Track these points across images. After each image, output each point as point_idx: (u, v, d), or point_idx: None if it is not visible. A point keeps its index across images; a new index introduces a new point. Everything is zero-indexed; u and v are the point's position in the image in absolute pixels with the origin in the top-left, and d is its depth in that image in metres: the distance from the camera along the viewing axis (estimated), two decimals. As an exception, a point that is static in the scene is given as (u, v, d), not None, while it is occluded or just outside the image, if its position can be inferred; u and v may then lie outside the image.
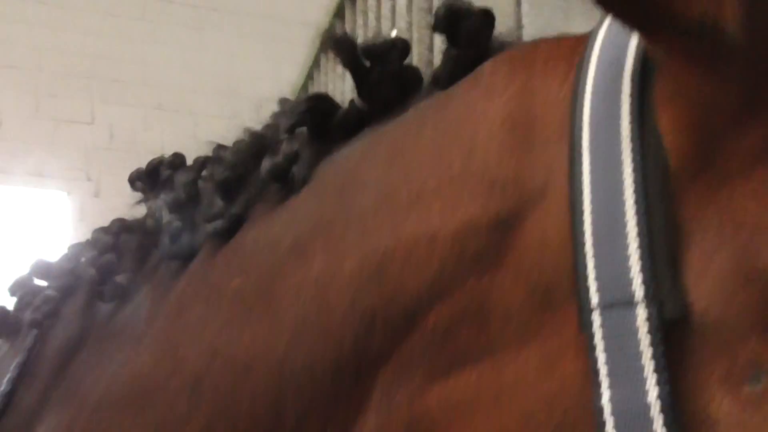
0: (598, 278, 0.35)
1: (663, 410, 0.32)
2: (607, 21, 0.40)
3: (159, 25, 4.76)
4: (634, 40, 0.38)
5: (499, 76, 0.44)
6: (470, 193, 0.40)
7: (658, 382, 0.32)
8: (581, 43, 0.41)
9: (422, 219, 0.41)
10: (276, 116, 0.59)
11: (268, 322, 0.48)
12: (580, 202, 0.36)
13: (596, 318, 0.34)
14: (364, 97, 0.53)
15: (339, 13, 2.70)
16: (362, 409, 0.43)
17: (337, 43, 0.54)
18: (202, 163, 0.65)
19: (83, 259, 0.74)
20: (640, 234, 0.34)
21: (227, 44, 4.66)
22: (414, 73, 0.53)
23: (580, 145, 0.37)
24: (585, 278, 0.35)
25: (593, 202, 0.36)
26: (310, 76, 2.79)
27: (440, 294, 0.40)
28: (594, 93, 0.37)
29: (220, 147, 0.63)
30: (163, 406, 0.52)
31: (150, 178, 0.70)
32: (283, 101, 0.59)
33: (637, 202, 0.35)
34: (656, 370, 0.32)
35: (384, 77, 0.52)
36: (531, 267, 0.37)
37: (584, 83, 0.38)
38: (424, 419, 0.40)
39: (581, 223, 0.36)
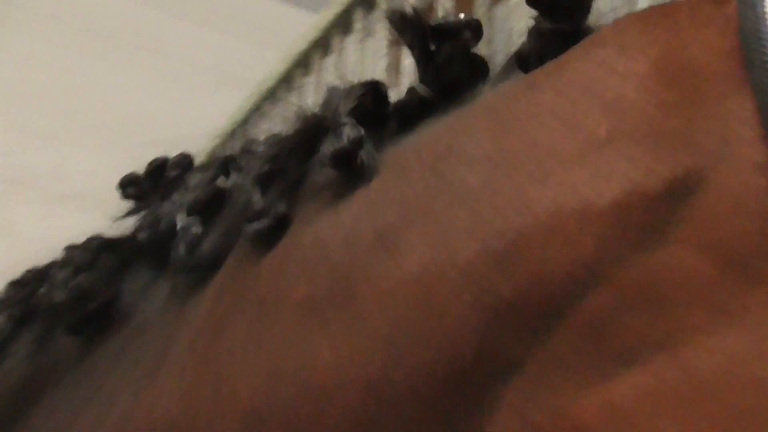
0: None
1: None
2: None
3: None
4: None
5: (634, 35, 0.39)
6: (628, 157, 0.35)
7: None
8: None
9: (565, 191, 0.36)
10: (326, 103, 0.52)
11: (355, 335, 0.41)
12: None
13: None
14: (428, 82, 0.48)
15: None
16: None
17: (402, 19, 0.49)
18: (223, 160, 0.58)
19: (50, 281, 0.63)
20: None
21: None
22: (481, 60, 0.48)
23: None
24: None
25: None
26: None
27: (597, 278, 0.34)
28: None
29: (251, 141, 0.57)
30: None
31: (151, 182, 0.62)
32: (331, 88, 0.53)
33: None
34: None
35: (454, 60, 0.48)
36: (720, 237, 0.32)
37: (758, 33, 0.35)
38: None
39: None
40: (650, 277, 0.33)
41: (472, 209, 0.38)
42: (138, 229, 0.57)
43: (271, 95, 2.27)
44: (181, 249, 0.51)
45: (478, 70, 0.48)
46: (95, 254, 0.59)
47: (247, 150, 0.55)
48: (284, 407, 0.41)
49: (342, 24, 2.02)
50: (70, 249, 0.61)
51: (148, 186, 0.61)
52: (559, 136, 0.37)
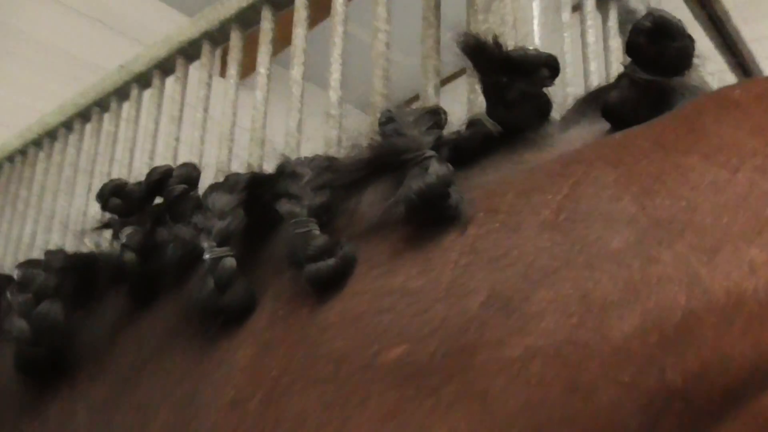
0: None
1: None
2: None
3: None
4: None
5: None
6: None
7: None
8: None
9: (743, 270, 0.32)
10: (395, 130, 0.45)
11: (477, 413, 0.33)
12: None
13: None
14: (495, 117, 0.46)
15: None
16: None
17: (476, 46, 0.45)
18: (250, 180, 0.49)
19: (7, 306, 0.54)
20: None
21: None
22: (548, 100, 0.46)
23: None
24: None
25: None
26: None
27: None
28: None
29: (293, 163, 0.49)
30: None
31: (146, 195, 0.53)
32: (396, 112, 0.46)
33: None
34: None
35: (526, 98, 0.45)
36: None
37: None
38: None
39: None
40: None
41: (621, 277, 0.33)
42: (124, 248, 0.49)
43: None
44: (209, 284, 0.43)
45: (545, 110, 0.45)
46: (59, 277, 0.51)
47: (286, 172, 0.47)
48: None
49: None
50: (28, 267, 0.54)
51: (140, 200, 0.53)
52: (722, 206, 0.34)
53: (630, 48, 0.42)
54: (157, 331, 0.47)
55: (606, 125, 0.43)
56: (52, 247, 0.57)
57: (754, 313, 0.31)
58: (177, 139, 1.53)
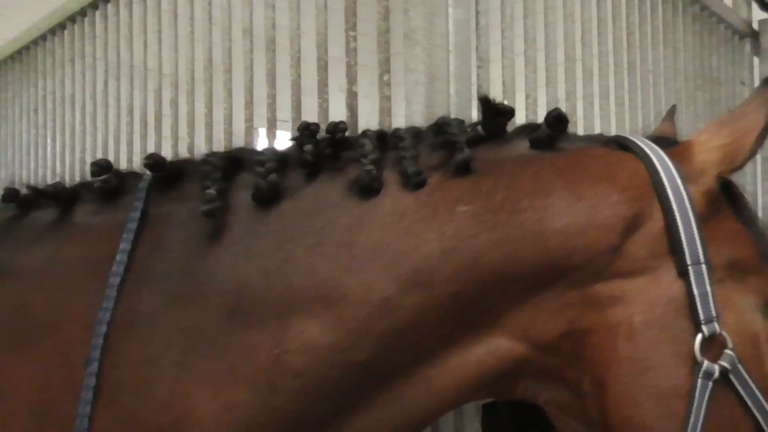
0: (687, 249, 0.89)
1: (711, 294, 0.89)
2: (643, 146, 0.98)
3: None
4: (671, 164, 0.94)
5: (615, 170, 0.94)
6: (622, 209, 0.92)
7: (708, 285, 0.89)
8: (633, 156, 0.97)
9: (601, 211, 0.89)
10: (445, 126, 0.98)
11: (500, 233, 0.87)
12: (674, 220, 0.90)
13: (690, 269, 0.88)
14: (486, 129, 0.97)
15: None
16: (534, 301, 0.90)
17: (489, 103, 0.96)
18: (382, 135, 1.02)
19: None
20: (699, 237, 0.89)
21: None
22: (505, 127, 1.00)
23: (668, 201, 0.91)
24: (682, 250, 0.89)
25: (680, 221, 0.90)
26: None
27: (619, 244, 0.90)
28: (666, 180, 0.92)
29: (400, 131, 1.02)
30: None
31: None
32: (448, 120, 1.00)
33: (696, 223, 0.90)
34: (708, 282, 0.88)
35: (500, 125, 0.98)
36: (647, 239, 0.90)
37: (658, 178, 0.92)
38: (597, 300, 0.90)
39: (676, 228, 0.90)
40: (628, 246, 0.94)
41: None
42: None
43: None
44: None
45: (504, 129, 1.01)
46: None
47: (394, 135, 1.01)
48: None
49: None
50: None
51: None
52: (595, 188, 0.94)
53: (549, 122, 0.97)
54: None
55: (527, 143, 0.97)
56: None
57: (611, 226, 0.93)
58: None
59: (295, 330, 0.85)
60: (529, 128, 1.01)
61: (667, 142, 1.03)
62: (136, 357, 0.86)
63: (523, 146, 0.98)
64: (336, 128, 0.97)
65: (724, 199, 0.97)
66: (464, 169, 0.91)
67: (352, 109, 1.49)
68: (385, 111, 1.44)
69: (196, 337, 0.86)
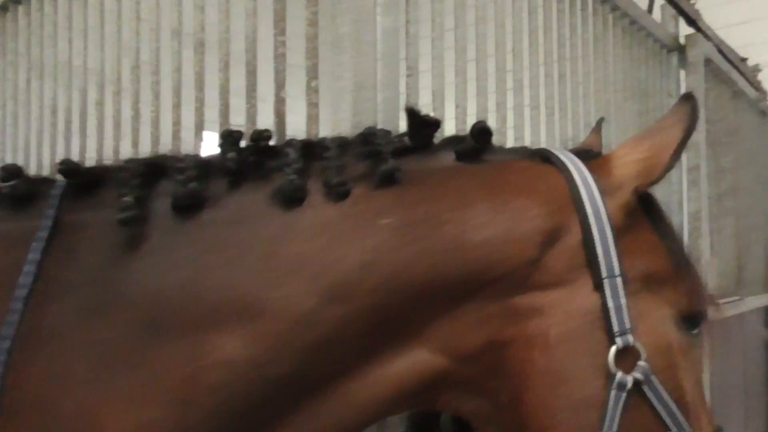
0: (603, 262, 0.91)
1: (626, 307, 0.91)
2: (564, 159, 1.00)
3: None
4: (588, 175, 0.96)
5: (536, 183, 0.96)
6: (541, 223, 0.93)
7: (623, 298, 0.91)
8: (555, 169, 0.99)
9: (521, 225, 0.92)
10: (371, 136, 0.98)
11: (421, 246, 0.87)
12: (590, 234, 0.92)
13: (606, 281, 0.90)
14: (413, 140, 0.99)
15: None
16: (456, 313, 0.90)
17: (416, 114, 0.99)
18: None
19: None
20: (615, 250, 0.92)
21: None
22: (434, 135, 1.01)
23: (585, 214, 0.93)
24: (598, 264, 0.91)
25: (597, 234, 0.92)
26: None
27: (538, 257, 0.91)
28: (585, 194, 0.94)
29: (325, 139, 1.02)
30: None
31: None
32: (374, 130, 1.01)
33: (612, 236, 0.92)
34: (623, 294, 0.91)
35: (427, 137, 1.00)
36: (565, 252, 0.92)
37: (577, 192, 0.94)
38: (516, 312, 0.91)
39: (592, 241, 0.92)
40: (546, 260, 0.97)
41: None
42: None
43: None
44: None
45: (431, 140, 1.02)
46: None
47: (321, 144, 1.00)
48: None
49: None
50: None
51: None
52: (516, 204, 0.95)
53: (475, 132, 0.99)
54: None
55: (453, 155, 0.99)
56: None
57: (528, 239, 0.93)
58: None
59: (211, 345, 0.84)
60: (455, 140, 1.03)
61: (589, 155, 1.05)
62: (43, 374, 0.83)
63: (448, 158, 0.99)
64: (260, 136, 0.96)
65: (642, 212, 0.99)
66: (388, 181, 0.92)
67: (280, 114, 1.48)
68: (312, 118, 1.43)
69: (109, 352, 0.83)
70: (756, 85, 3.98)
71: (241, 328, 0.85)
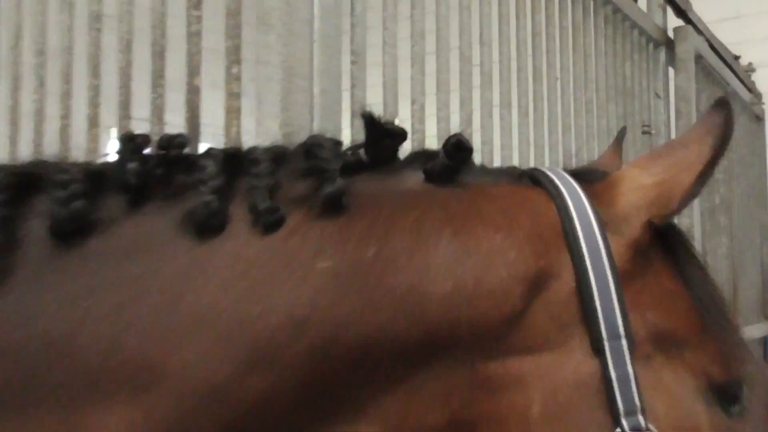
0: (603, 318, 0.82)
1: (634, 377, 0.81)
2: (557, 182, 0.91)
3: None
4: (586, 201, 0.88)
5: (517, 215, 0.87)
6: (522, 268, 0.84)
7: (629, 365, 0.81)
8: (545, 195, 0.90)
9: (495, 272, 0.84)
10: (316, 147, 0.87)
11: (369, 299, 0.80)
12: (587, 281, 0.83)
13: (607, 344, 0.81)
14: (370, 154, 0.90)
15: None
16: (432, 365, 0.81)
17: (375, 121, 0.89)
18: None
19: None
20: (619, 303, 0.83)
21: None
22: (398, 150, 0.92)
23: (580, 255, 0.84)
24: (596, 321, 0.82)
25: (595, 282, 0.83)
26: None
27: (518, 312, 0.83)
28: (580, 228, 0.85)
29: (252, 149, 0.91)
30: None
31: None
32: (320, 140, 0.89)
33: (615, 284, 0.83)
34: (630, 361, 0.81)
35: (388, 150, 0.91)
36: (553, 305, 0.83)
37: (570, 226, 0.86)
38: (488, 383, 0.82)
39: (589, 291, 0.83)
40: (530, 315, 0.84)
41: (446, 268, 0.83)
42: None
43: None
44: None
45: (395, 155, 0.92)
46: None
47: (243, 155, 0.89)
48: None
49: None
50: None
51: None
52: (489, 240, 0.86)
53: (448, 148, 0.89)
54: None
55: (420, 176, 0.90)
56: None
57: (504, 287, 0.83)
58: None
59: (90, 424, 0.75)
60: (424, 156, 0.95)
61: (592, 176, 0.95)
62: None
63: (415, 179, 0.91)
64: (170, 142, 0.87)
65: (659, 251, 0.90)
66: (334, 208, 0.83)
67: (193, 107, 1.37)
68: (233, 112, 1.35)
69: None
70: (750, 87, 4.03)
71: (130, 402, 0.76)
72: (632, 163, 0.93)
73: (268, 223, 0.82)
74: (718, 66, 3.39)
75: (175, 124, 1.29)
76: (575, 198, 0.88)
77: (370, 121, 0.90)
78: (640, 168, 0.91)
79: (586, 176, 0.94)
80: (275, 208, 0.83)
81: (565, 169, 0.97)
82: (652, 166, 0.90)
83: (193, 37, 1.40)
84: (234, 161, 0.89)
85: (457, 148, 0.90)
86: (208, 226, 0.82)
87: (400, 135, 0.90)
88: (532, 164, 2.12)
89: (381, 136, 0.90)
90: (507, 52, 2.01)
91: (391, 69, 1.56)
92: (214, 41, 1.46)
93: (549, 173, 0.93)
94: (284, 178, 0.88)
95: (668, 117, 2.93)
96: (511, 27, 2.03)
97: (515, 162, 2.02)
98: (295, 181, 0.88)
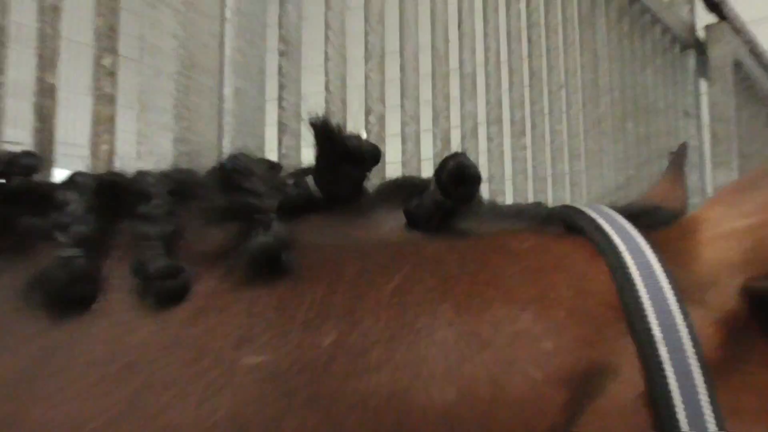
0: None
1: None
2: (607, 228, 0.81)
3: None
4: (655, 259, 0.76)
5: (553, 281, 0.75)
6: (562, 365, 0.71)
7: None
8: (590, 247, 0.78)
9: (520, 374, 0.71)
10: (238, 173, 0.74)
11: (321, 417, 0.69)
12: (662, 381, 0.72)
13: None
14: (322, 185, 0.79)
15: None
16: None
17: (326, 129, 0.76)
18: (99, 186, 0.76)
19: None
20: (712, 407, 0.71)
21: None
22: (365, 179, 0.79)
23: (651, 342, 0.73)
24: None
25: (675, 378, 0.73)
26: None
27: (557, 428, 0.73)
28: (648, 299, 0.74)
29: (145, 180, 0.77)
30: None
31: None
32: (243, 161, 0.75)
33: (705, 380, 0.72)
34: None
35: (349, 176, 0.78)
36: (612, 413, 0.72)
37: (633, 297, 0.74)
38: None
39: (667, 396, 0.72)
40: None
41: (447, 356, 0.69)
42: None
43: None
44: (60, 277, 0.69)
45: (360, 188, 0.77)
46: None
47: (138, 189, 0.75)
48: None
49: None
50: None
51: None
52: (522, 331, 0.74)
53: (443, 181, 0.76)
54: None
55: (400, 218, 0.78)
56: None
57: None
58: None
59: None
60: (406, 189, 0.85)
61: (654, 217, 0.87)
62: None
63: (392, 224, 0.82)
64: (11, 166, 0.78)
65: (760, 325, 0.79)
66: (268, 268, 0.73)
67: (45, 116, 1.25)
68: (103, 120, 1.25)
69: None
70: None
71: None
72: (714, 199, 0.82)
73: (164, 292, 0.72)
74: (762, 76, 3.34)
75: (18, 139, 1.15)
76: (636, 252, 0.78)
77: (324, 134, 0.78)
78: (727, 205, 0.80)
79: (645, 217, 0.84)
80: (175, 269, 0.73)
81: (613, 206, 0.85)
82: (742, 202, 0.79)
83: (49, 13, 1.28)
84: (110, 195, 0.79)
85: (458, 176, 0.77)
86: (67, 297, 0.72)
87: (371, 156, 0.79)
88: (530, 200, 2.10)
89: (340, 157, 0.78)
90: (495, 49, 1.97)
91: (337, 64, 1.50)
92: (77, 21, 1.30)
93: (591, 213, 0.82)
94: (189, 222, 0.78)
95: (701, 141, 2.87)
96: (500, 17, 2.00)
97: (507, 197, 2.00)
98: (206, 227, 0.78)
